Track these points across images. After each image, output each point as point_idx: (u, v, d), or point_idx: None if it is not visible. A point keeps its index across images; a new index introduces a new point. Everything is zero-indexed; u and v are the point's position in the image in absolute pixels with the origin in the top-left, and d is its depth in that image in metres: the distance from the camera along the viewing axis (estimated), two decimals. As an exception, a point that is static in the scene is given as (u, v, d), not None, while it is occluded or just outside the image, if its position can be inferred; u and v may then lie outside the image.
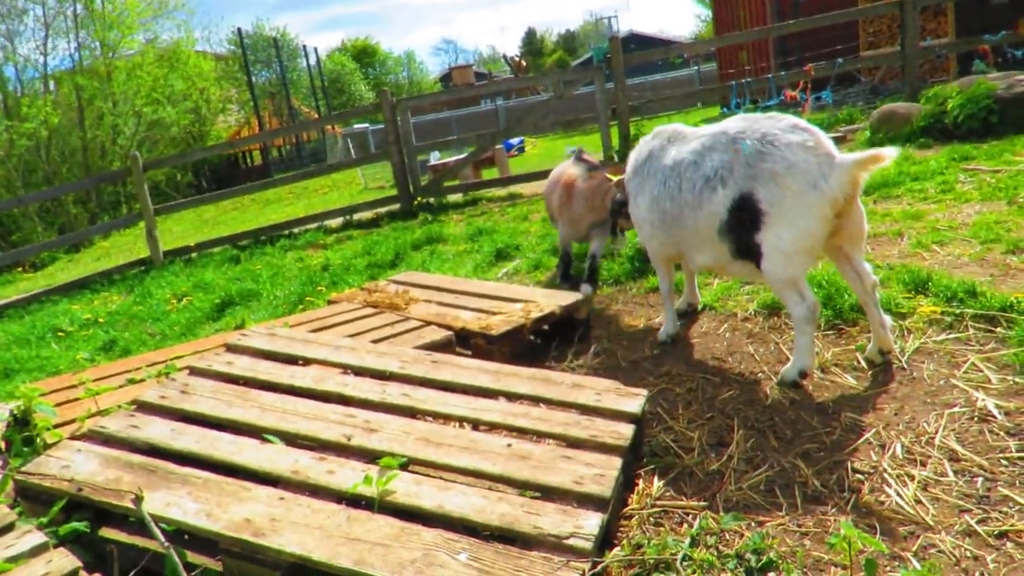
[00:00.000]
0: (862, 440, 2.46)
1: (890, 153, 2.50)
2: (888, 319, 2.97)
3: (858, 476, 2.29)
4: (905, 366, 2.87)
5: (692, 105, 20.15)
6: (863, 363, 2.96)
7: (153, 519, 1.92)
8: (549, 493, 2.09)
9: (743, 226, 2.80)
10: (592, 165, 4.65)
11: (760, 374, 3.07)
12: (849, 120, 9.19)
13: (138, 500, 1.88)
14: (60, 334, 6.39)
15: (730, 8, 15.68)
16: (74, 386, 3.17)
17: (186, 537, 2.03)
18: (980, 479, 2.17)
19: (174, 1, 23.88)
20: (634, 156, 3.52)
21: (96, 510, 2.13)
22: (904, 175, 5.76)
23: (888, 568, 1.87)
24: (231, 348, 3.13)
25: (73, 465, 2.24)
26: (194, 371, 2.92)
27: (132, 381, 3.19)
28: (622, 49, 9.09)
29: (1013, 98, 6.76)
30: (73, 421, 2.75)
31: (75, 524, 2.03)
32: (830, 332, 3.27)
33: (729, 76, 14.48)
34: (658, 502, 2.32)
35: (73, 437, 2.50)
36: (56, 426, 2.72)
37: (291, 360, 3.05)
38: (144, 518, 1.88)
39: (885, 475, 2.26)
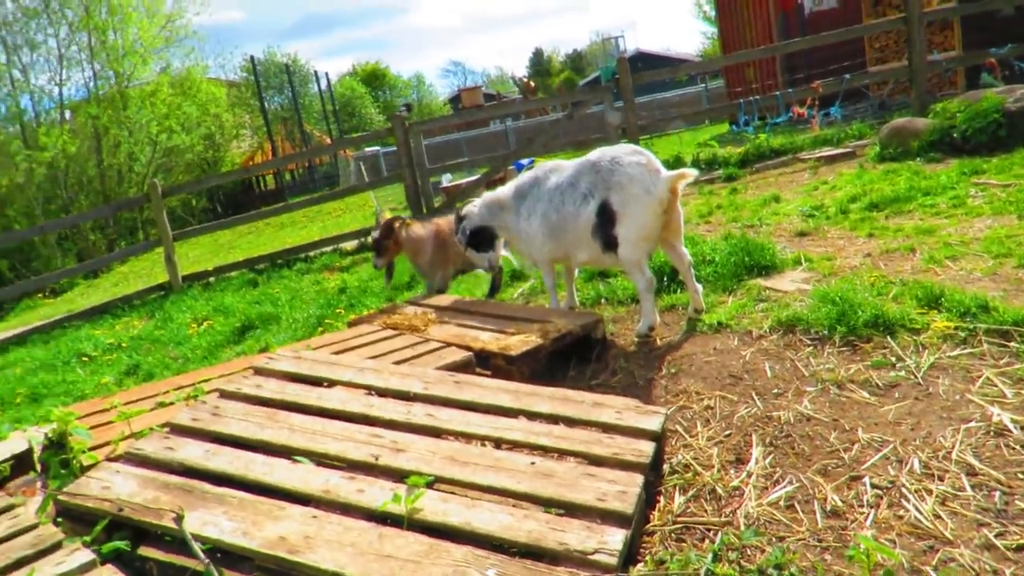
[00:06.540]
0: (879, 456, 2.50)
1: (692, 172, 3.62)
2: (699, 286, 4.03)
3: (876, 491, 2.33)
4: (921, 382, 2.90)
5: (700, 122, 20.24)
6: (878, 380, 3.00)
7: (191, 537, 1.99)
8: (573, 510, 2.15)
9: (605, 225, 3.76)
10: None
11: (776, 391, 3.11)
12: (859, 136, 9.26)
13: (179, 519, 1.95)
14: (85, 359, 6.52)
15: (736, 26, 15.84)
16: (106, 410, 3.26)
17: (219, 555, 2.10)
18: (998, 493, 2.21)
19: (184, 30, 24.42)
20: (516, 184, 4.34)
21: (135, 529, 2.20)
22: (915, 190, 5.81)
23: (908, 580, 1.91)
24: (259, 371, 3.21)
25: (113, 486, 2.32)
26: (224, 394, 3.01)
27: (162, 404, 3.28)
28: (630, 68, 9.22)
29: (1021, 111, 6.81)
30: (108, 444, 2.83)
31: (116, 543, 2.10)
32: (845, 348, 3.31)
33: (737, 94, 14.59)
34: (679, 518, 2.37)
35: (110, 459, 2.58)
36: (91, 449, 2.80)
37: (317, 382, 3.13)
38: (185, 536, 1.95)
39: (903, 490, 2.30)
